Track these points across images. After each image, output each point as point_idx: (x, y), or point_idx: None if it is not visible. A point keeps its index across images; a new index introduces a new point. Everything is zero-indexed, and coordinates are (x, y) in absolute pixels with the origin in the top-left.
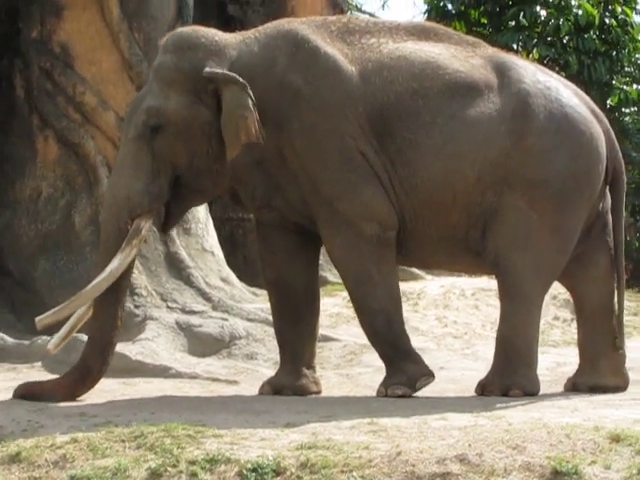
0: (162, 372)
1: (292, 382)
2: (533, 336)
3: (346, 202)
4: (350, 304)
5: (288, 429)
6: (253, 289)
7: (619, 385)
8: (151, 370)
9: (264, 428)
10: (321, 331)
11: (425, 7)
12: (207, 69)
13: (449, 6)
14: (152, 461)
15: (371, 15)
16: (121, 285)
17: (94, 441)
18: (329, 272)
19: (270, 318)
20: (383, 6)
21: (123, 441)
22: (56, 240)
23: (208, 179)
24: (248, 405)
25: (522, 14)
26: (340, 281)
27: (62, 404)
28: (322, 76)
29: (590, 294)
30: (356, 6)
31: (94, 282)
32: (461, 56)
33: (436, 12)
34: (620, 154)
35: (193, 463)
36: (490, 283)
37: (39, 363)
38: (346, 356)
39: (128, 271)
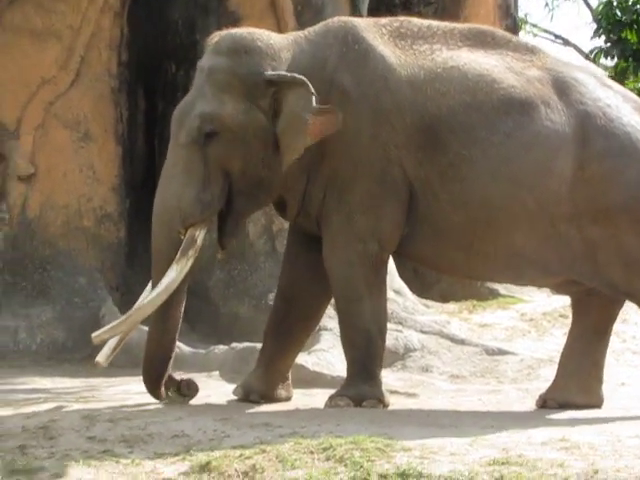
0: (339, 383)
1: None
2: None
3: (362, 214)
4: (524, 317)
5: (477, 443)
6: (425, 301)
7: None
8: (329, 381)
9: (452, 442)
10: (497, 344)
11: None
12: (270, 72)
13: (619, 14)
14: (343, 474)
15: (533, 26)
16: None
17: (282, 452)
18: (499, 285)
19: (445, 330)
20: (551, 18)
21: (312, 452)
22: (230, 249)
23: (259, 188)
24: (432, 418)
25: None
26: (513, 294)
27: (246, 413)
28: (371, 81)
29: None
30: (526, 19)
31: (150, 297)
32: (517, 68)
33: (607, 21)
34: None
35: (384, 477)
36: None
37: (216, 372)
38: (523, 370)
39: (183, 284)
